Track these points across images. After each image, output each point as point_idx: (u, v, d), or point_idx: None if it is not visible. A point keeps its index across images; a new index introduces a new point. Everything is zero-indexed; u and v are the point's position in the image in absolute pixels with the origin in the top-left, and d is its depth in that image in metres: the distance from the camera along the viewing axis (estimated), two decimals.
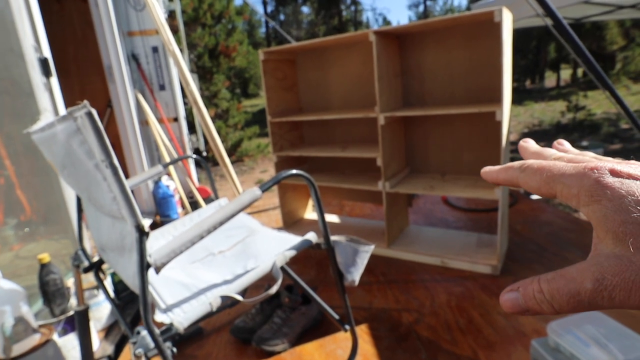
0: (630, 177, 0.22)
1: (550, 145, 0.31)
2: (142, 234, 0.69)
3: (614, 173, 0.22)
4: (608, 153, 3.17)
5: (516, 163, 0.27)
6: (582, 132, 6.91)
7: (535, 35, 15.67)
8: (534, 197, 3.44)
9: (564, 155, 0.27)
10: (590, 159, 0.25)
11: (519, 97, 12.46)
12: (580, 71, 15.17)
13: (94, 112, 0.60)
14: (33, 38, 1.57)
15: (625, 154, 5.28)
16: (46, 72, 1.60)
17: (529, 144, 0.30)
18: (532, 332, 1.36)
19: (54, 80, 1.65)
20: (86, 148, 0.65)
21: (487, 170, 0.29)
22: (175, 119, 3.10)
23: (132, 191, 2.43)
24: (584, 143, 2.90)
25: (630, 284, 0.20)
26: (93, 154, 0.65)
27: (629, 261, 0.20)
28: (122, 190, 0.66)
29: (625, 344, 1.08)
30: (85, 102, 0.59)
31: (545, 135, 7.03)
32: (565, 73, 17.43)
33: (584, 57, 1.98)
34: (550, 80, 17.71)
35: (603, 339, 1.09)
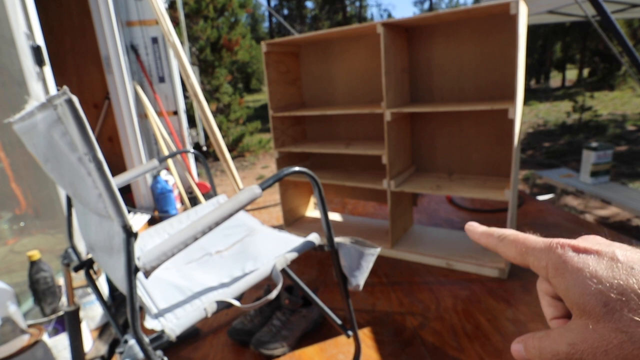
0: (585, 251, 0.24)
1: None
2: (130, 235, 0.63)
3: (574, 249, 0.25)
4: (614, 154, 3.09)
5: (496, 232, 0.31)
6: (587, 133, 6.81)
7: (542, 34, 15.53)
8: (541, 198, 3.37)
9: (516, 233, 0.29)
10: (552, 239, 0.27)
11: (523, 96, 12.37)
12: (586, 71, 15.01)
13: (75, 99, 0.54)
14: (25, 25, 1.50)
15: (631, 156, 5.20)
16: (39, 61, 1.54)
17: (474, 226, 0.33)
18: None
19: (47, 69, 1.59)
20: (68, 140, 0.59)
21: (471, 229, 0.32)
22: (175, 113, 3.03)
23: (130, 185, 2.36)
24: (593, 144, 2.83)
25: (594, 349, 0.23)
26: (76, 146, 0.59)
27: (592, 330, 0.23)
28: (108, 187, 0.60)
29: None
30: (65, 88, 0.53)
31: (550, 136, 6.94)
32: (571, 73, 17.29)
33: (630, 53, 1.94)
34: (555, 80, 17.57)
35: None
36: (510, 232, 0.29)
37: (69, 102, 0.54)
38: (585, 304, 0.23)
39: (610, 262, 0.23)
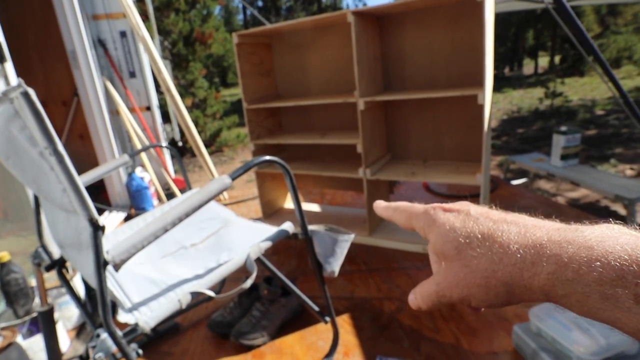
0: (449, 210, 0.31)
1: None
2: (97, 229, 0.63)
3: (443, 209, 0.31)
4: (584, 138, 3.21)
5: (392, 204, 0.37)
6: (559, 118, 7.01)
7: (515, 22, 15.78)
8: (514, 182, 3.47)
9: (407, 204, 0.36)
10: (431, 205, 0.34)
11: (497, 84, 12.58)
12: (557, 58, 15.38)
13: (32, 91, 0.53)
14: None
15: (600, 139, 5.39)
16: None
17: (378, 203, 0.39)
18: (514, 317, 1.35)
19: (9, 66, 1.53)
20: (27, 134, 0.58)
21: (376, 205, 0.39)
22: (148, 108, 2.97)
23: (104, 184, 2.30)
24: (562, 128, 2.92)
25: (450, 284, 0.28)
26: (35, 141, 0.58)
27: (449, 269, 0.29)
28: (71, 181, 0.59)
29: (606, 328, 1.07)
30: (20, 80, 0.52)
31: (523, 122, 7.10)
32: (543, 60, 17.69)
33: (584, 40, 2.00)
34: (528, 67, 17.93)
35: (585, 323, 1.08)
36: (401, 204, 0.36)
37: (25, 95, 0.53)
38: (444, 250, 0.29)
39: (464, 216, 0.29)
